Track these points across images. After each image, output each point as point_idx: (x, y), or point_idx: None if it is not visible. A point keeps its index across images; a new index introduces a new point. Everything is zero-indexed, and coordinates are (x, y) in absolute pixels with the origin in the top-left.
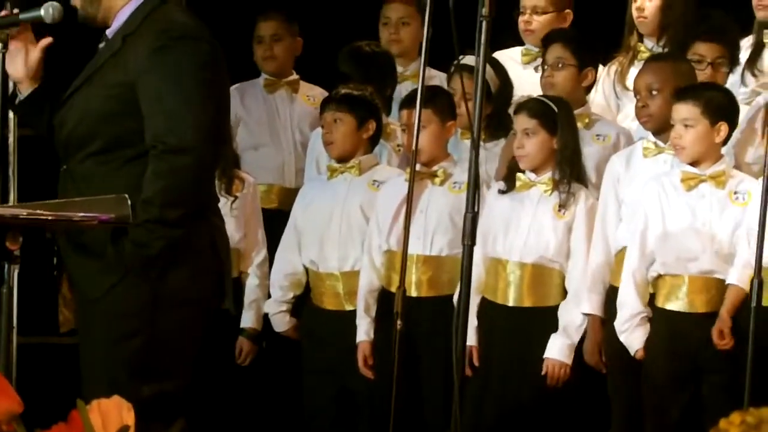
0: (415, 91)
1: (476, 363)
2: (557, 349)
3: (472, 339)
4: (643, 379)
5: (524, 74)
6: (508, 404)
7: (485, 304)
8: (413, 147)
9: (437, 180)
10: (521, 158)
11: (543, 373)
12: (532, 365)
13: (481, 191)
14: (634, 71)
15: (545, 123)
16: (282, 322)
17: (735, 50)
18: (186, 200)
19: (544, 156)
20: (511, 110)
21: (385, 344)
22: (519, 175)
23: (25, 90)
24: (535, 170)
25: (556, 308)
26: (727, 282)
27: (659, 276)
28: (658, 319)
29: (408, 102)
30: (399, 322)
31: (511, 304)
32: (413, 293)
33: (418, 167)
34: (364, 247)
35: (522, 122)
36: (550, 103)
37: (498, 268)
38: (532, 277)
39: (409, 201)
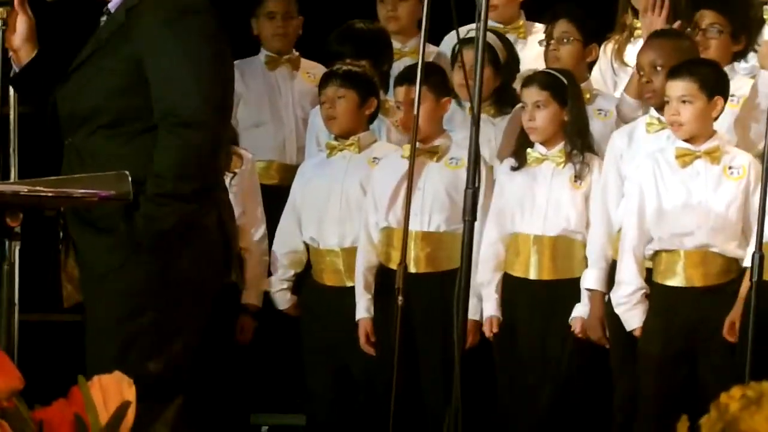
0: (408, 68)
1: (495, 330)
2: (582, 313)
3: (492, 309)
4: (639, 356)
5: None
6: (533, 377)
7: (508, 280)
8: (413, 124)
9: (435, 156)
10: (532, 131)
11: (573, 330)
12: (557, 337)
13: (480, 167)
14: (631, 48)
15: (556, 95)
16: (283, 300)
17: (736, 18)
18: (199, 175)
19: (555, 128)
20: (516, 84)
21: (383, 321)
22: (529, 150)
23: (23, 59)
24: (546, 143)
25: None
26: (743, 265)
27: (656, 252)
28: (656, 295)
29: (401, 79)
30: (400, 298)
31: (533, 277)
32: (412, 269)
33: (417, 145)
34: (361, 224)
35: (533, 95)
36: (560, 76)
37: (518, 243)
38: (555, 250)
39: (410, 179)
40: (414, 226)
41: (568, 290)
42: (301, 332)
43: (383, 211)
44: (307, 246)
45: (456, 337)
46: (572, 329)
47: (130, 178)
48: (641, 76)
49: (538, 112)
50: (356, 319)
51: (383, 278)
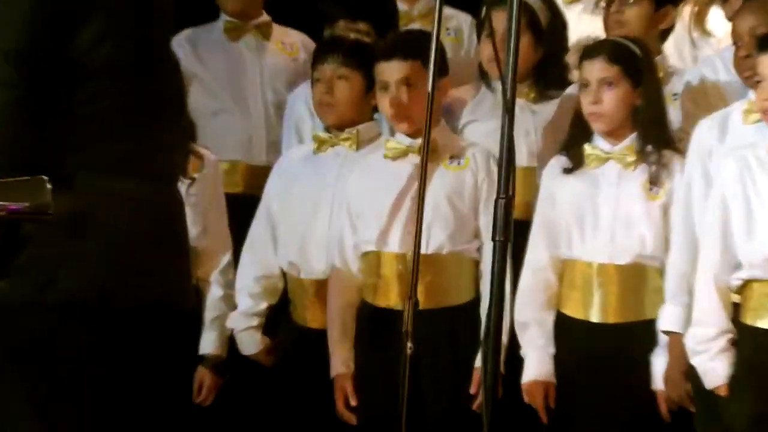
0: (400, 38)
1: (552, 405)
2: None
3: (546, 372)
4: (725, 421)
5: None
6: None
7: (563, 323)
8: (427, 115)
9: (432, 155)
10: (597, 117)
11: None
12: (628, 400)
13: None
14: (715, 12)
15: (628, 71)
16: (251, 342)
17: None
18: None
19: (625, 114)
20: (571, 57)
21: (374, 378)
22: (587, 147)
23: None
24: (610, 135)
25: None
26: None
27: (745, 283)
28: (746, 340)
29: (392, 52)
30: (409, 344)
31: (596, 319)
32: (392, 303)
33: (407, 141)
34: (332, 249)
35: (598, 69)
36: (633, 46)
37: (575, 273)
38: (625, 284)
39: (422, 184)
40: (408, 248)
41: (642, 336)
42: (278, 388)
43: (367, 230)
44: (284, 273)
45: (485, 403)
46: (650, 388)
47: (49, 186)
48: (738, 48)
49: (605, 93)
50: (331, 376)
51: (372, 320)
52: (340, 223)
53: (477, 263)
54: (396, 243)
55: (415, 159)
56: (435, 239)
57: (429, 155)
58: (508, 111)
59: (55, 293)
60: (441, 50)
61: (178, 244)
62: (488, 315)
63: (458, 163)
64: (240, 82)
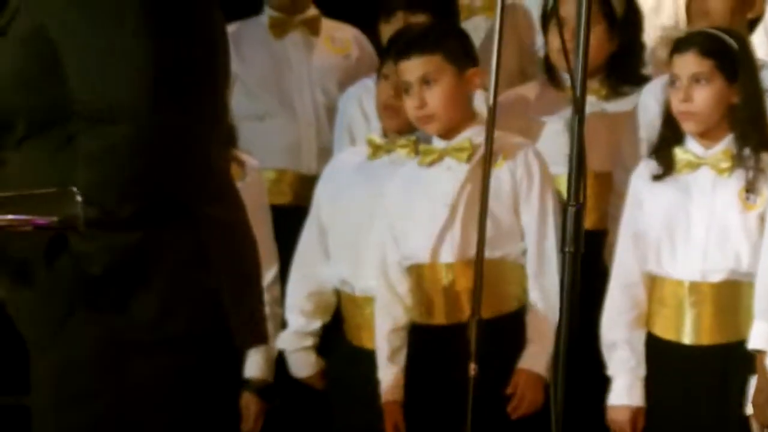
0: (421, 32)
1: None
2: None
3: (636, 396)
4: None
5: None
6: None
7: (654, 345)
8: (489, 118)
9: (462, 155)
10: (689, 116)
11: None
12: (728, 427)
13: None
14: None
15: (724, 66)
16: (305, 364)
17: None
18: (133, 189)
19: (720, 114)
20: (661, 50)
21: (428, 400)
22: (677, 150)
23: None
24: (704, 137)
25: None
26: None
27: None
28: None
29: (412, 47)
30: (473, 365)
31: (689, 341)
32: (443, 319)
33: (442, 144)
34: (376, 265)
35: (690, 64)
36: (728, 39)
37: (664, 290)
38: (719, 302)
39: (485, 191)
40: (444, 257)
41: (739, 358)
42: (332, 413)
43: (410, 243)
44: (337, 290)
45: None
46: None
47: (79, 198)
48: None
49: (697, 90)
50: (382, 402)
51: (419, 342)
52: (381, 238)
53: (523, 268)
54: (438, 254)
55: (451, 163)
56: (473, 245)
57: (464, 155)
58: (578, 111)
59: (177, 326)
60: (464, 39)
61: (259, 269)
62: (558, 331)
63: (494, 161)
64: (286, 82)
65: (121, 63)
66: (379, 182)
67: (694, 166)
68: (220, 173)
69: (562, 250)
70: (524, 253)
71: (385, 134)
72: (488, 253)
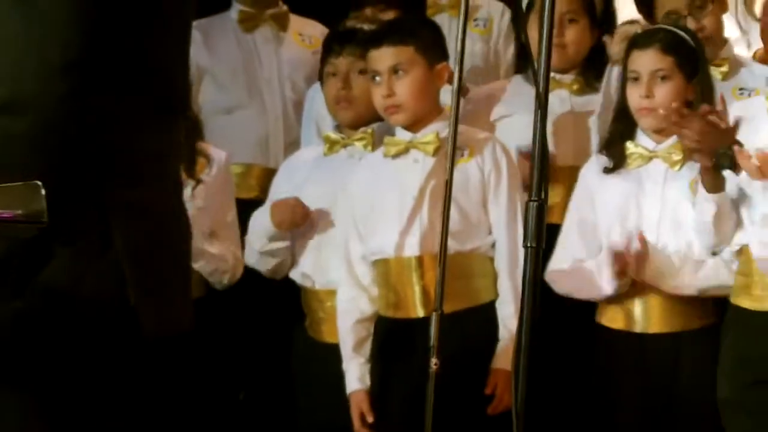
0: (394, 22)
1: None
2: None
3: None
4: None
5: None
6: None
7: (603, 335)
8: (453, 113)
9: (429, 148)
10: (647, 113)
11: None
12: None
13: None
14: None
15: (683, 63)
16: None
17: None
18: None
19: None
20: (617, 43)
21: (395, 391)
22: (629, 144)
23: None
24: (658, 131)
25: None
26: None
27: None
28: None
29: (383, 37)
30: (434, 360)
31: (640, 330)
32: (419, 313)
33: (408, 136)
34: (342, 260)
35: (652, 60)
36: (686, 36)
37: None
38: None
39: (449, 189)
40: (410, 251)
41: (690, 345)
42: (297, 405)
43: (375, 237)
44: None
45: (514, 417)
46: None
47: (43, 191)
48: None
49: (658, 86)
50: (347, 393)
51: (386, 333)
52: (344, 232)
53: (493, 261)
54: (403, 247)
55: (417, 155)
56: (439, 239)
57: (431, 148)
58: (541, 107)
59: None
60: (436, 32)
61: (185, 259)
62: (520, 324)
63: (461, 155)
64: (255, 76)
65: (34, 46)
66: (338, 176)
67: (646, 159)
68: (151, 158)
69: (524, 245)
70: (494, 245)
71: (339, 130)
72: (458, 246)
